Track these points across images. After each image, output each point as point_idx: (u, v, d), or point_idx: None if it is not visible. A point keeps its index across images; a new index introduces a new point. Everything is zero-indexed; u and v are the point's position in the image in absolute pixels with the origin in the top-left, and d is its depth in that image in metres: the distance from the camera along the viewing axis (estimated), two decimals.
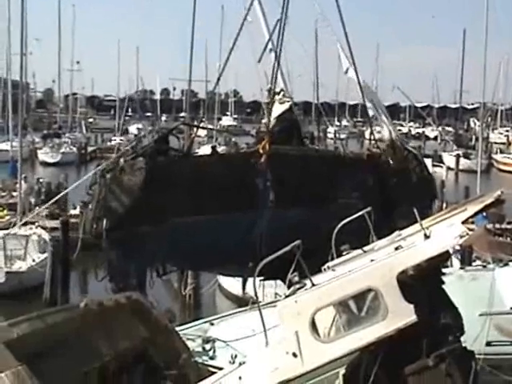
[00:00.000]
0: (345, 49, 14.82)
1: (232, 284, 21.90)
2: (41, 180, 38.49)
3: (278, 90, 14.50)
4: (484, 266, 17.58)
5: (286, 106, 14.16)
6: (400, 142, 14.24)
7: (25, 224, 27.21)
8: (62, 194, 22.50)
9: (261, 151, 12.51)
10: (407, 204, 8.67)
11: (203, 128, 24.14)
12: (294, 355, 7.88)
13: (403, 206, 8.80)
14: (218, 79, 17.87)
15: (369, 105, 14.88)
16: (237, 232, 12.31)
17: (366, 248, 9.46)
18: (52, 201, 21.77)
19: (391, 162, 13.91)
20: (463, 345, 8.42)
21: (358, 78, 14.58)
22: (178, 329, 10.70)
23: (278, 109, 14.06)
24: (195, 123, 24.79)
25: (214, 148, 15.17)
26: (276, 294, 14.41)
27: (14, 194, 33.88)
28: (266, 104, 15.21)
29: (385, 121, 14.72)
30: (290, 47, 19.10)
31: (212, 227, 12.20)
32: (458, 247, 19.11)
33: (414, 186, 13.52)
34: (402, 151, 13.99)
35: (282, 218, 12.41)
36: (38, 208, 32.05)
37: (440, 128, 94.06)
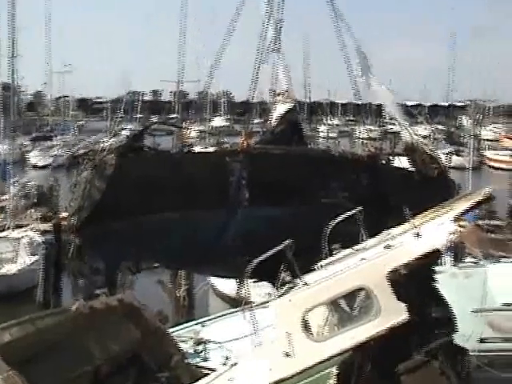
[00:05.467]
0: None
1: (225, 285, 21.82)
2: (29, 183, 38.22)
3: (281, 90, 14.54)
4: (476, 263, 17.55)
5: (289, 106, 14.17)
6: (420, 146, 14.10)
7: (17, 227, 27.11)
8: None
9: (238, 149, 12.48)
10: (410, 205, 8.55)
11: (177, 127, 24.11)
12: (287, 355, 7.85)
13: (404, 208, 8.65)
14: (210, 80, 17.75)
15: (388, 109, 14.84)
16: (209, 230, 12.24)
17: (356, 247, 9.42)
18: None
19: (414, 165, 13.83)
20: (457, 342, 8.40)
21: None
22: (170, 330, 10.65)
23: (280, 108, 14.07)
24: (185, 124, 24.83)
25: (190, 146, 15.19)
26: (268, 293, 14.37)
27: (4, 197, 33.70)
28: (258, 104, 15.22)
29: (405, 124, 14.68)
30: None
31: (184, 225, 12.13)
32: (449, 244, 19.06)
33: (425, 188, 13.33)
34: (422, 155, 13.88)
35: (258, 217, 12.32)
36: (30, 211, 32.02)
37: (433, 127, 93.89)
